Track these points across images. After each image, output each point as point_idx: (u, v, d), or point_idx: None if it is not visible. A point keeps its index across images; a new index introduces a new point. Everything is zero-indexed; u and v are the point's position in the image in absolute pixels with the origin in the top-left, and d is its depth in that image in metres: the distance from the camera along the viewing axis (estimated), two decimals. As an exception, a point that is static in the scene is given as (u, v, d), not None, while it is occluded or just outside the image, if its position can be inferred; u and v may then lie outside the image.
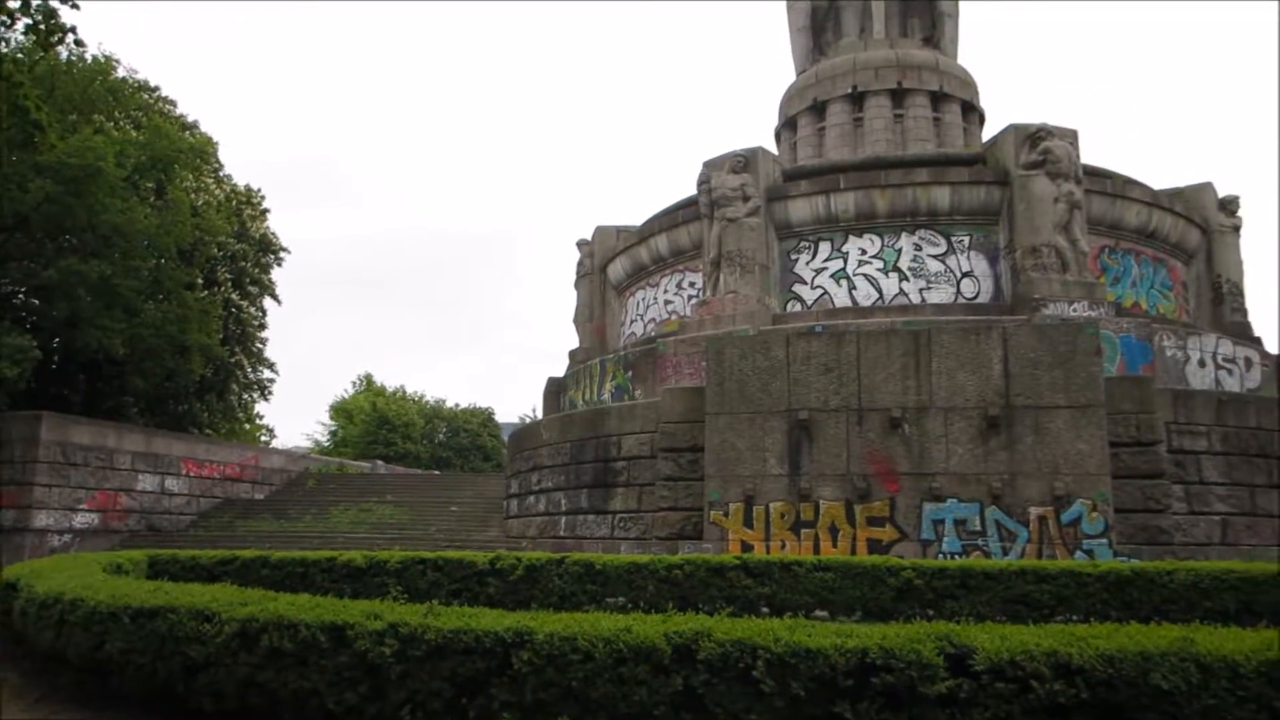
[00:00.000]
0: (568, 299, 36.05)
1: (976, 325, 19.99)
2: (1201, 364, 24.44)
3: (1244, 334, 27.77)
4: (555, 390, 32.48)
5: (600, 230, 33.89)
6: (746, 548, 18.22)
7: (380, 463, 50.25)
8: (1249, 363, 26.09)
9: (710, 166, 26.76)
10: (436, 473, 51.47)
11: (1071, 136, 24.84)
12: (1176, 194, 28.88)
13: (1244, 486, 20.14)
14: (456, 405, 70.54)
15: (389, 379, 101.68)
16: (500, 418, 71.18)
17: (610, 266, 32.68)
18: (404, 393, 69.39)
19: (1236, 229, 29.58)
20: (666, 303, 29.81)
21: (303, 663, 7.50)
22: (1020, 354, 18.20)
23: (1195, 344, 24.68)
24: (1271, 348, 28.02)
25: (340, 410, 66.88)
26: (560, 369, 33.75)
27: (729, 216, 25.87)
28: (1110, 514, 17.40)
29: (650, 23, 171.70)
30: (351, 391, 69.52)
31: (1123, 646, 6.17)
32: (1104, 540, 17.21)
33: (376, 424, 62.91)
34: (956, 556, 16.99)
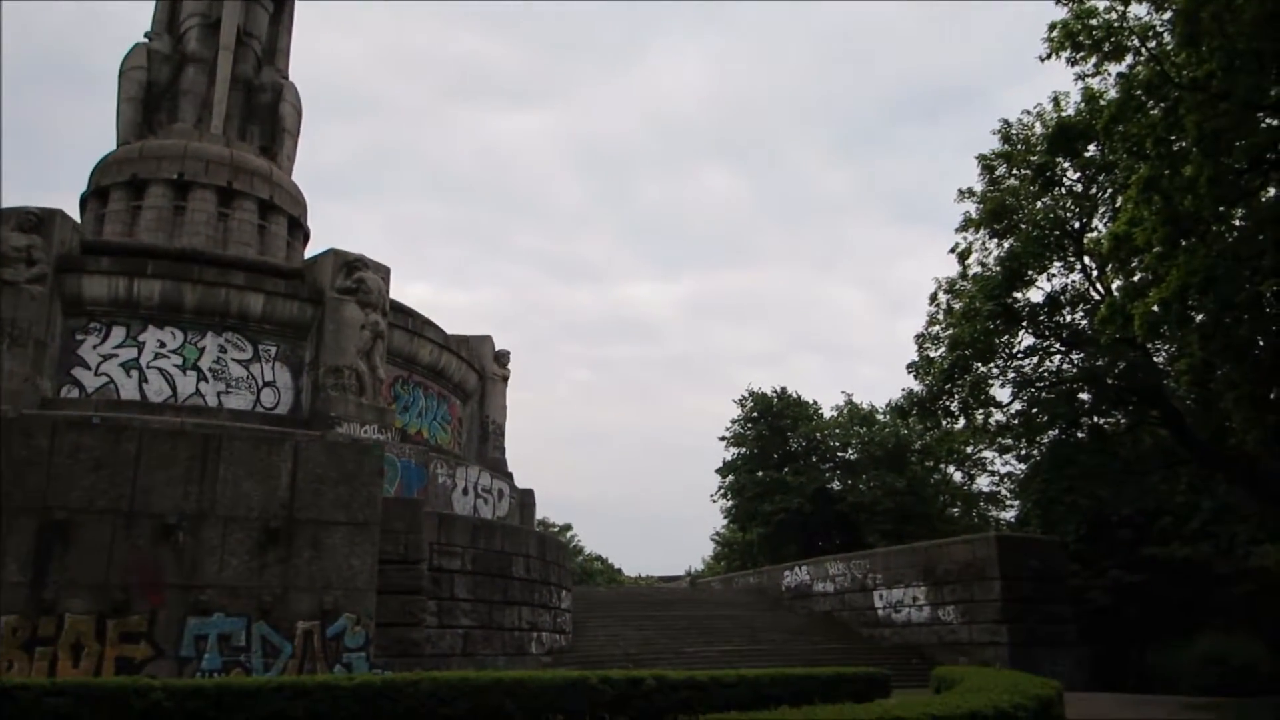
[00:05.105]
0: None
1: (270, 436, 20.10)
2: (465, 492, 27.83)
3: (500, 469, 32.42)
4: None
5: None
6: (-44, 672, 15.15)
7: None
8: (501, 493, 30.49)
9: (-10, 217, 22.99)
10: None
11: (385, 272, 27.02)
12: (463, 341, 33.03)
13: (485, 603, 23.20)
14: None
15: None
16: None
17: None
18: None
19: (505, 379, 34.83)
20: (-105, 366, 24.15)
21: None
22: (309, 469, 18.72)
23: (463, 474, 28.06)
24: (520, 483, 33.12)
25: None
26: None
27: (7, 279, 22.40)
28: (372, 628, 18.50)
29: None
30: None
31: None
32: (363, 653, 18.17)
33: None
34: (217, 674, 16.36)
